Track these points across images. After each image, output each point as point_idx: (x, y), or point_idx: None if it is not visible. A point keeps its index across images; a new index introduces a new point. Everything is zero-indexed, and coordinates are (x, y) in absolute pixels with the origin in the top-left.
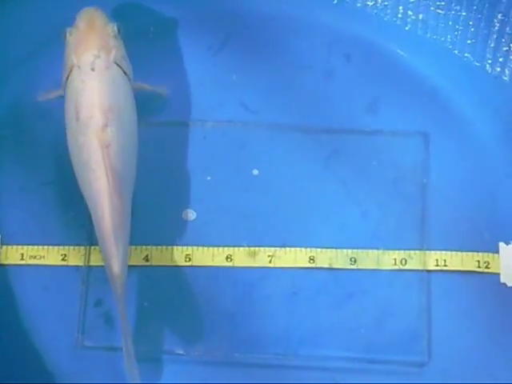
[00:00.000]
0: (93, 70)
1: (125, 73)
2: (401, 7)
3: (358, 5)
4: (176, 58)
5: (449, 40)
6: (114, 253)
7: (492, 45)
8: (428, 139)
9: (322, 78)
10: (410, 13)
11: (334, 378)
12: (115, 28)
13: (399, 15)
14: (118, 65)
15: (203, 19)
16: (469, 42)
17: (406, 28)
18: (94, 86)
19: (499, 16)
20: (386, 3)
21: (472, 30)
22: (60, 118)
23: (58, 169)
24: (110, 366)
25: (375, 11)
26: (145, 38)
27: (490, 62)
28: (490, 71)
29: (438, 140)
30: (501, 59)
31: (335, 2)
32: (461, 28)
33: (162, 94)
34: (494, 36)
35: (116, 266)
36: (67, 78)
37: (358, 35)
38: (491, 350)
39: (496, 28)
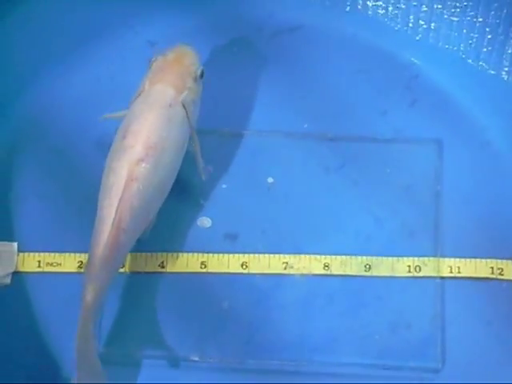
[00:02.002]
0: (156, 102)
1: (188, 117)
2: (412, 16)
3: (370, 13)
4: None
5: (462, 49)
6: (93, 281)
7: (510, 51)
8: (442, 147)
9: (336, 87)
10: (421, 22)
11: None
12: (199, 71)
13: (410, 24)
14: (184, 106)
15: (219, 27)
16: (484, 50)
17: (417, 38)
18: (149, 117)
19: None
20: (396, 12)
21: (489, 37)
22: (78, 127)
23: (76, 176)
24: (125, 372)
25: (386, 19)
26: None
27: (506, 69)
28: (506, 78)
29: (451, 147)
30: None
31: (347, 9)
32: (476, 36)
33: (202, 172)
34: None
35: (89, 295)
36: (133, 101)
37: (370, 43)
38: (505, 356)
39: None
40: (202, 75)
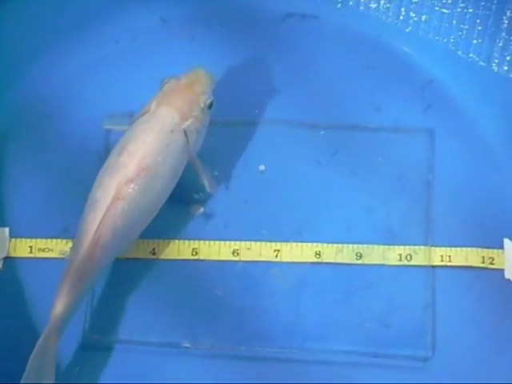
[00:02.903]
0: (158, 125)
1: (188, 144)
2: (403, 9)
3: (361, 8)
4: (189, 53)
5: (452, 41)
6: (65, 295)
7: (500, 43)
8: (433, 136)
9: (328, 76)
10: (412, 14)
11: (338, 372)
12: (208, 102)
13: (401, 17)
14: (185, 134)
15: (220, 16)
16: (475, 41)
17: (407, 30)
18: (147, 140)
19: (508, 13)
20: (387, 5)
21: (479, 28)
22: (74, 113)
23: (70, 163)
24: (117, 358)
25: (377, 13)
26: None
27: (496, 61)
28: (496, 70)
29: (443, 137)
30: (508, 58)
31: (339, 6)
32: (466, 27)
33: (208, 187)
34: (503, 34)
35: (58, 308)
36: (137, 119)
37: (361, 35)
38: (495, 345)
39: (505, 25)
40: (210, 106)
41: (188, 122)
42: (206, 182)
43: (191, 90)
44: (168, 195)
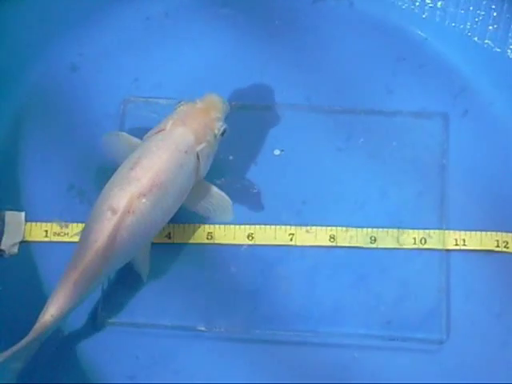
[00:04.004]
0: (174, 144)
1: (199, 168)
2: None
3: None
4: (196, 37)
5: (468, 27)
6: (57, 304)
7: None
8: (448, 120)
9: (343, 60)
10: (428, 0)
11: (353, 355)
12: (221, 129)
13: (417, 3)
14: (198, 156)
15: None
16: (490, 27)
17: (424, 16)
18: (163, 156)
19: None
20: None
21: (494, 14)
22: (86, 98)
23: (84, 148)
24: (131, 341)
25: None
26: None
27: (511, 47)
28: (511, 56)
29: (457, 121)
30: None
31: None
32: (482, 13)
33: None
34: None
35: (47, 316)
36: (150, 136)
37: (377, 19)
38: (509, 328)
39: None
40: (223, 133)
41: (202, 146)
42: (217, 197)
43: (207, 114)
44: (171, 215)
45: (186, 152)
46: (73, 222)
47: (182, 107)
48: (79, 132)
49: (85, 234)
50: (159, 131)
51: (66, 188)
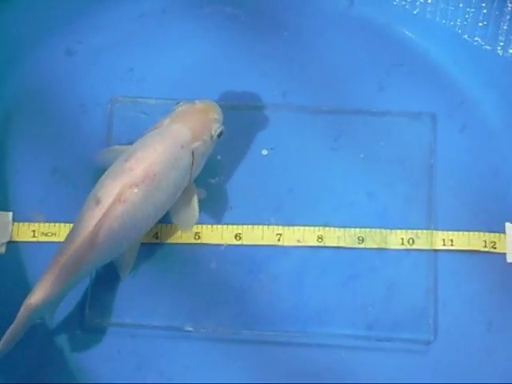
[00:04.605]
0: (170, 138)
1: (191, 167)
2: None
3: None
4: (187, 36)
5: (458, 24)
6: (44, 288)
7: (505, 27)
8: (436, 120)
9: (331, 59)
10: None
11: (340, 355)
12: (219, 130)
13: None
14: (193, 154)
15: None
16: (480, 24)
17: (415, 12)
18: (158, 149)
19: None
20: None
21: (484, 11)
22: (75, 96)
23: (73, 147)
24: (118, 341)
25: None
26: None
27: (502, 44)
28: (501, 54)
29: (445, 121)
30: None
31: None
32: (472, 11)
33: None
34: (508, 17)
35: (33, 299)
36: (147, 132)
37: (366, 18)
38: (497, 328)
39: (509, 8)
40: (219, 135)
41: (197, 144)
42: (192, 209)
43: (205, 114)
44: (163, 213)
45: (182, 147)
46: (60, 222)
47: (180, 108)
48: (68, 131)
49: (78, 221)
50: (156, 128)
51: (55, 188)
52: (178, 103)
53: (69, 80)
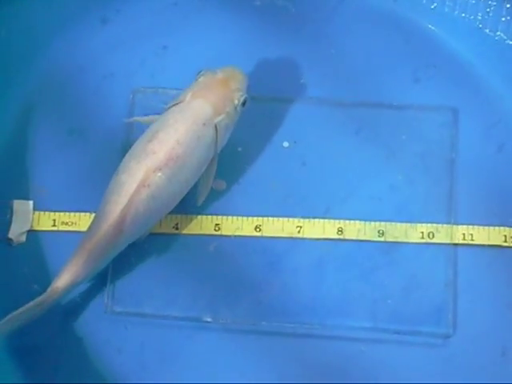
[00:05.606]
0: (192, 116)
1: (216, 141)
2: None
3: None
4: (206, 27)
5: (479, 18)
6: (71, 272)
7: None
8: (457, 115)
9: (353, 53)
10: None
11: (359, 348)
12: (241, 99)
13: None
14: (216, 129)
15: None
16: (503, 19)
17: (432, 7)
18: (179, 129)
19: None
20: None
21: (507, 6)
22: (96, 86)
23: (93, 136)
24: (138, 332)
25: None
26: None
27: None
28: None
29: (467, 116)
30: None
31: None
32: (494, 4)
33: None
34: None
35: (60, 282)
36: (169, 107)
37: (387, 12)
38: None
39: None
40: (243, 104)
41: (220, 118)
42: (203, 189)
43: (227, 85)
44: (189, 188)
45: (204, 124)
46: (80, 211)
47: (202, 78)
48: (90, 123)
49: (102, 205)
50: (178, 103)
51: (75, 177)
52: (199, 72)
53: (94, 71)
